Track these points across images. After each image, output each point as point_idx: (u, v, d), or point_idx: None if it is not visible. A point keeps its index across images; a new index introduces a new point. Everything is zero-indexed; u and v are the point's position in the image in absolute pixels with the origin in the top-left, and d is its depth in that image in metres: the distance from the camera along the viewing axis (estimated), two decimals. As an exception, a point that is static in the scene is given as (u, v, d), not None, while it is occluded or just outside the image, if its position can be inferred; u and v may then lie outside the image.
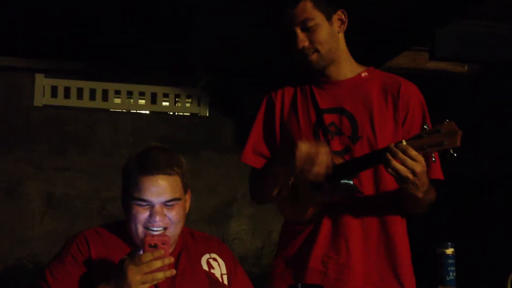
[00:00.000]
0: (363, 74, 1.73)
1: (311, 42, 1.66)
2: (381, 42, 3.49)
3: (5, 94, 3.88)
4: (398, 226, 1.67)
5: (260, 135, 1.78)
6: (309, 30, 1.65)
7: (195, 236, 1.57)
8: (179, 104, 4.34)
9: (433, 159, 1.51)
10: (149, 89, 4.22)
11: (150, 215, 1.43)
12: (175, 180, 1.47)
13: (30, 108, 3.93)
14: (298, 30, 1.66)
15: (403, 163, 1.42)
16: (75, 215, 3.69)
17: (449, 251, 1.37)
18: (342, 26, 1.70)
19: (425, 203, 1.62)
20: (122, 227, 1.50)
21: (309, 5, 1.65)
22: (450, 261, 1.36)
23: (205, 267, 1.52)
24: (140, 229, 1.44)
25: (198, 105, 4.29)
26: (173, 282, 1.44)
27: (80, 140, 3.96)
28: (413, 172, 1.43)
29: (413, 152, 1.42)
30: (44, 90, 3.99)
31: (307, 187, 1.57)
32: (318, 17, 1.65)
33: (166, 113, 4.32)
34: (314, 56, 1.67)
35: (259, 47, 3.45)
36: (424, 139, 1.42)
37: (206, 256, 1.54)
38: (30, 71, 3.91)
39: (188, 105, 4.33)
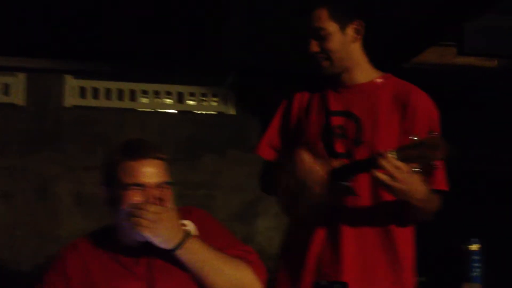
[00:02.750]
0: (377, 81, 1.75)
1: (322, 49, 1.70)
2: (408, 38, 3.45)
3: (35, 95, 3.95)
4: (399, 230, 1.67)
5: (276, 131, 1.82)
6: (321, 38, 1.68)
7: None
8: (205, 103, 4.36)
9: (433, 167, 1.53)
10: (175, 88, 4.25)
11: (145, 199, 1.46)
12: (164, 165, 1.53)
13: (59, 109, 3.99)
14: (312, 36, 1.69)
15: (386, 172, 1.45)
16: (103, 214, 3.73)
17: (474, 247, 1.36)
18: (358, 36, 1.71)
19: (425, 212, 1.63)
20: (104, 233, 1.53)
21: (324, 14, 1.68)
22: (475, 257, 1.35)
23: None
24: (129, 221, 1.46)
25: (225, 104, 4.30)
26: (150, 269, 1.46)
27: (109, 139, 4.01)
28: (394, 179, 1.44)
29: (394, 161, 1.44)
30: (73, 91, 4.06)
31: (307, 188, 1.60)
32: (331, 27, 1.68)
33: (192, 112, 4.35)
34: (325, 63, 1.71)
35: (287, 49, 3.45)
36: (409, 150, 1.45)
37: None
38: (59, 73, 3.97)
39: (214, 104, 4.35)
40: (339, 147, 1.68)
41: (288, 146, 1.77)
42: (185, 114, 4.28)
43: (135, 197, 1.47)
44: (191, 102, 4.32)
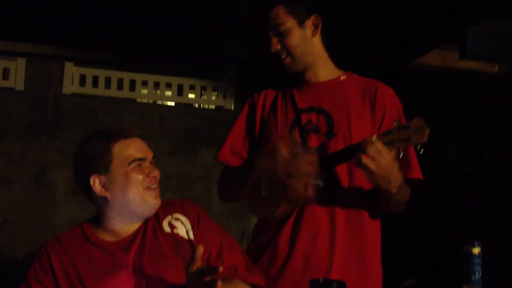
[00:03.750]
0: (341, 77, 1.80)
1: (283, 46, 1.74)
2: (410, 39, 3.45)
3: (35, 81, 3.93)
4: (369, 223, 1.69)
5: (239, 136, 1.84)
6: (281, 35, 1.70)
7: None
8: (205, 97, 4.35)
9: (401, 155, 1.52)
10: (175, 80, 4.24)
11: (148, 174, 1.49)
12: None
13: (58, 96, 3.98)
14: (271, 35, 1.72)
15: (372, 158, 1.46)
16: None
17: (476, 250, 1.36)
18: (316, 30, 1.75)
19: (399, 201, 1.66)
20: (89, 225, 1.53)
21: (281, 11, 1.72)
22: (476, 260, 1.35)
23: (168, 229, 1.56)
24: (142, 191, 1.49)
25: (224, 98, 4.29)
26: (140, 258, 1.46)
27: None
28: (379, 165, 1.46)
29: (381, 146, 1.46)
30: (73, 78, 4.04)
31: (279, 185, 1.60)
32: (289, 22, 1.72)
33: (192, 105, 4.34)
34: (287, 60, 1.75)
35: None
36: (393, 135, 1.48)
37: (168, 218, 1.58)
38: (60, 59, 3.96)
39: (214, 98, 4.34)
40: (312, 142, 1.70)
41: (254, 149, 1.78)
42: (185, 107, 4.27)
43: (138, 174, 1.50)
44: (190, 95, 4.31)
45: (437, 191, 3.68)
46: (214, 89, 4.31)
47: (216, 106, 4.34)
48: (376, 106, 1.71)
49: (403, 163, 1.61)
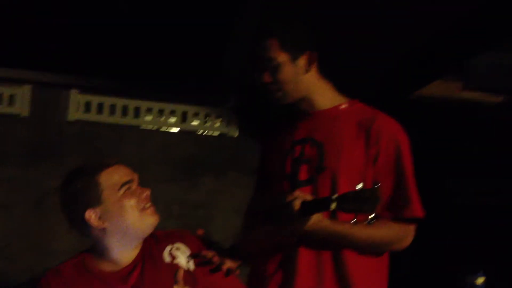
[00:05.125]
0: (342, 106, 1.73)
1: (274, 80, 1.68)
2: (411, 70, 3.47)
3: (40, 108, 3.96)
4: (357, 265, 1.64)
5: (261, 173, 1.81)
6: (272, 69, 1.65)
7: (157, 236, 1.61)
8: (209, 124, 4.37)
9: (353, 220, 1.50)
10: (180, 108, 4.26)
11: (139, 196, 1.50)
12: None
13: (62, 122, 4.00)
14: (263, 67, 1.66)
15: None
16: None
17: (480, 280, 1.34)
18: (310, 66, 1.68)
19: (369, 245, 1.61)
20: (89, 255, 1.53)
21: (275, 44, 1.65)
22: (481, 291, 1.33)
23: (168, 259, 1.56)
24: (137, 213, 1.50)
25: (227, 125, 4.31)
26: (140, 287, 1.46)
27: (109, 155, 3.99)
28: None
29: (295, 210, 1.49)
30: (78, 105, 4.07)
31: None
32: (281, 57, 1.65)
33: (195, 132, 4.35)
34: (279, 94, 1.70)
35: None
36: (349, 199, 1.44)
37: (168, 248, 1.58)
38: (66, 87, 3.99)
39: (217, 125, 4.35)
40: (303, 174, 1.67)
41: (264, 183, 1.77)
42: (187, 134, 4.28)
43: (132, 198, 1.51)
44: (194, 122, 4.33)
45: (438, 224, 3.65)
46: (218, 116, 4.33)
47: (219, 133, 4.35)
48: (370, 141, 1.63)
49: (399, 200, 1.59)
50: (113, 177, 1.53)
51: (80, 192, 1.54)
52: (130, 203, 1.51)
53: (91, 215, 1.52)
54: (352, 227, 1.56)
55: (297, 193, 1.52)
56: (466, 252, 3.45)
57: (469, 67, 3.27)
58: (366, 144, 1.64)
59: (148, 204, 1.54)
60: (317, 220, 1.52)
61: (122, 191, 1.51)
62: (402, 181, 1.62)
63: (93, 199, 1.51)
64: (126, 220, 1.50)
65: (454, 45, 3.14)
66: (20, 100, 3.92)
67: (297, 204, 1.48)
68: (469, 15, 2.77)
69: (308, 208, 1.52)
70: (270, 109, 1.86)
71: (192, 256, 1.55)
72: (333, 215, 1.58)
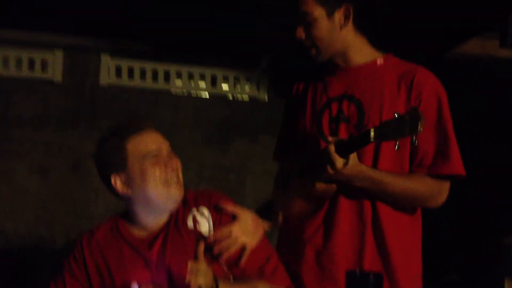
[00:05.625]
0: (378, 61, 1.67)
1: (308, 36, 1.63)
2: (448, 27, 3.36)
3: (71, 72, 4.00)
4: (392, 217, 1.62)
5: (287, 134, 1.78)
6: (307, 24, 1.61)
7: (187, 200, 1.58)
8: (239, 88, 4.35)
9: (396, 147, 1.47)
10: (209, 71, 4.24)
11: (165, 167, 1.48)
12: (159, 132, 1.57)
13: (95, 87, 4.04)
14: (298, 22, 1.62)
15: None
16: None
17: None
18: (347, 21, 1.62)
19: (402, 196, 1.57)
20: (120, 219, 1.54)
21: None
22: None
23: (191, 225, 1.54)
24: (160, 186, 1.48)
25: (258, 89, 4.28)
26: (163, 254, 1.47)
27: (142, 119, 4.05)
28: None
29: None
30: (109, 69, 4.09)
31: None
32: (317, 12, 1.60)
33: (226, 95, 4.34)
34: (313, 51, 1.64)
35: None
36: (389, 125, 1.43)
37: (193, 212, 1.55)
38: (96, 51, 4.01)
39: (247, 88, 4.33)
40: (342, 132, 1.63)
41: (299, 144, 1.74)
42: (218, 98, 4.27)
43: (156, 169, 1.49)
44: (224, 86, 4.31)
45: (476, 185, 3.59)
46: (248, 80, 4.30)
47: (249, 97, 4.33)
48: (412, 94, 1.59)
49: (439, 155, 1.55)
50: (140, 145, 1.50)
51: (107, 155, 1.55)
52: (154, 175, 1.48)
53: (116, 180, 1.53)
54: (388, 175, 1.54)
55: (331, 138, 1.50)
56: (504, 215, 3.39)
57: (507, 24, 3.15)
58: (407, 98, 1.60)
59: (174, 177, 1.51)
60: (354, 163, 1.49)
61: (146, 161, 1.48)
62: (443, 136, 1.59)
63: (118, 164, 1.51)
64: (148, 191, 1.49)
65: (493, 1, 3.03)
66: (52, 66, 3.96)
67: (332, 147, 1.47)
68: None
69: (346, 147, 1.50)
70: (304, 68, 1.81)
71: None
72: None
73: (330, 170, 1.49)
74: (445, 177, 1.60)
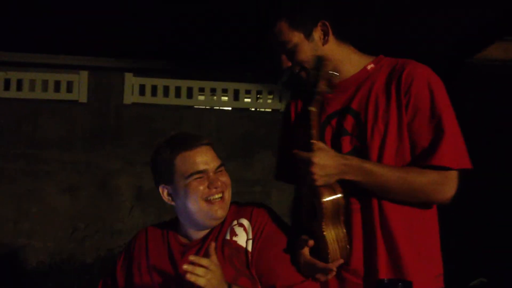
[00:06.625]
0: (369, 67, 1.63)
1: (295, 62, 1.61)
2: (471, 32, 3.33)
3: (97, 93, 4.08)
4: (402, 221, 1.57)
5: (285, 152, 1.74)
6: (289, 52, 1.58)
7: (230, 211, 1.57)
8: (261, 101, 4.37)
9: None
10: (231, 86, 4.28)
11: (209, 184, 1.48)
12: (212, 149, 1.57)
13: (120, 106, 4.11)
14: (280, 52, 1.60)
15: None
16: (162, 208, 3.82)
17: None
18: (326, 37, 1.59)
19: (401, 190, 1.53)
20: (171, 224, 1.56)
21: (284, 27, 1.58)
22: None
23: (228, 236, 1.53)
24: (202, 203, 1.49)
25: (280, 101, 4.30)
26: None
27: (167, 135, 4.09)
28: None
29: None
30: (133, 88, 4.16)
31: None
32: (295, 37, 1.58)
33: (248, 109, 4.37)
34: (302, 74, 1.62)
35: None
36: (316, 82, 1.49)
37: (233, 223, 1.54)
38: (120, 71, 4.09)
39: (269, 101, 4.35)
40: (345, 147, 1.61)
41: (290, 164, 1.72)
42: (241, 112, 4.31)
43: (198, 186, 1.50)
44: (247, 100, 4.34)
45: (507, 188, 3.54)
46: (270, 93, 4.33)
47: (272, 109, 4.35)
48: (401, 89, 1.55)
49: (433, 146, 1.52)
50: (188, 162, 1.51)
51: (157, 167, 1.58)
52: (197, 191, 1.49)
53: (163, 191, 1.56)
54: (380, 166, 1.52)
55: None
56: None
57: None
58: (397, 94, 1.56)
59: (217, 196, 1.50)
60: (322, 146, 1.48)
61: (191, 178, 1.49)
62: (437, 127, 1.55)
63: (166, 177, 1.54)
64: (188, 207, 1.51)
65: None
66: (77, 86, 4.04)
67: (295, 150, 1.48)
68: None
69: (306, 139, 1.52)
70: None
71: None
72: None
73: (311, 169, 1.45)
74: (445, 168, 1.55)
